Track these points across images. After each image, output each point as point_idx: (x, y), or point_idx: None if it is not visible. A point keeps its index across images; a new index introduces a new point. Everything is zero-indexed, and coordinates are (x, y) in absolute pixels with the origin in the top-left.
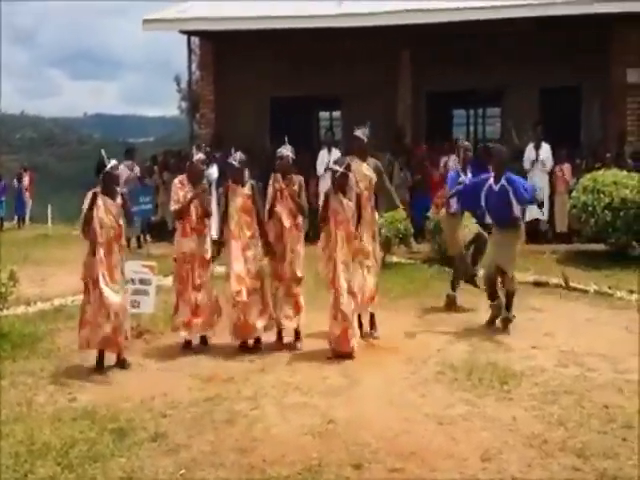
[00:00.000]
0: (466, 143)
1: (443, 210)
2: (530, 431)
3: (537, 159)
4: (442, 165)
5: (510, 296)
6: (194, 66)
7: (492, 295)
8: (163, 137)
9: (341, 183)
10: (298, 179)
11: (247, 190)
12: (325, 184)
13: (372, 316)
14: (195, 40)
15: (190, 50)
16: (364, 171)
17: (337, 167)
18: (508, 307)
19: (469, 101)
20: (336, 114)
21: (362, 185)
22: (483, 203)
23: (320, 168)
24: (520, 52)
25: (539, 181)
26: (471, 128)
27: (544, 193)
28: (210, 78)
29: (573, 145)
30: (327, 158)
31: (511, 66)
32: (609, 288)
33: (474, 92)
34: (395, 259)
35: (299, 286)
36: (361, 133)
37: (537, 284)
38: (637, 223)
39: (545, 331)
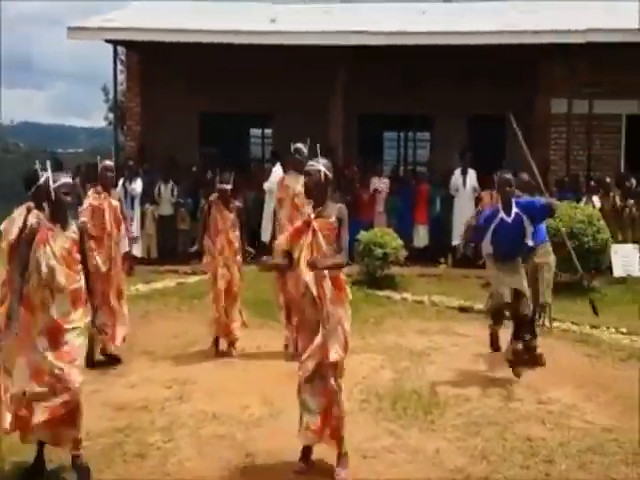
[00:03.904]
0: (507, 176)
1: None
2: (453, 464)
3: (464, 185)
4: (372, 187)
5: (523, 322)
6: (122, 77)
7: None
8: (92, 148)
9: (222, 197)
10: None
11: (72, 233)
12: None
13: None
14: (125, 51)
15: (116, 61)
16: (302, 181)
17: (222, 185)
18: (517, 334)
19: (400, 124)
20: (267, 131)
21: (298, 201)
22: (489, 237)
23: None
24: (451, 80)
25: (465, 207)
26: (402, 151)
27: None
28: (136, 90)
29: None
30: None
31: (442, 93)
32: None
33: (405, 117)
34: None
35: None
36: (302, 146)
37: (462, 309)
38: (560, 251)
39: (470, 358)
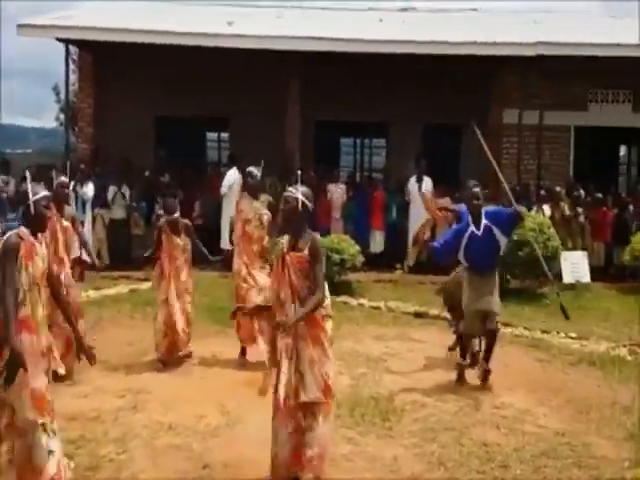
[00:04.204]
0: (475, 190)
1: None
2: (411, 471)
3: (420, 191)
4: (328, 193)
5: (493, 338)
6: (74, 77)
7: (466, 351)
8: (42, 149)
9: (173, 228)
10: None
11: (45, 248)
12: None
13: None
14: (77, 51)
15: (68, 60)
16: (255, 207)
17: (170, 217)
18: (488, 354)
19: (356, 131)
20: (224, 135)
21: (249, 229)
22: (462, 253)
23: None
24: (407, 88)
25: (420, 213)
26: (358, 157)
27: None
28: (89, 91)
29: (453, 181)
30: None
31: (398, 101)
32: None
33: (361, 123)
34: None
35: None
36: (254, 169)
37: (417, 315)
38: (510, 257)
39: (425, 363)
